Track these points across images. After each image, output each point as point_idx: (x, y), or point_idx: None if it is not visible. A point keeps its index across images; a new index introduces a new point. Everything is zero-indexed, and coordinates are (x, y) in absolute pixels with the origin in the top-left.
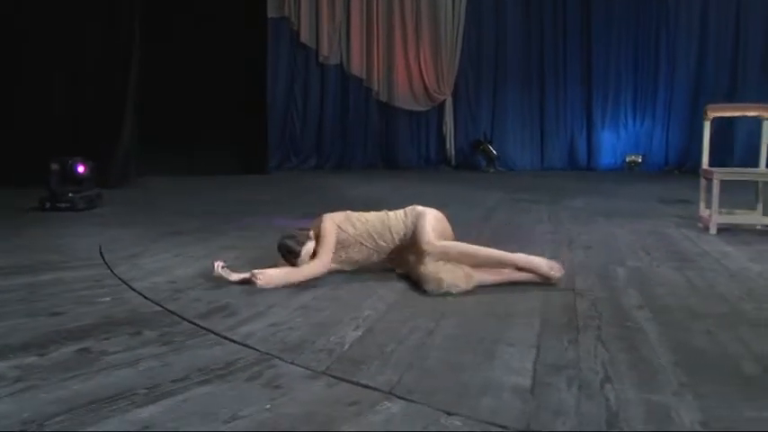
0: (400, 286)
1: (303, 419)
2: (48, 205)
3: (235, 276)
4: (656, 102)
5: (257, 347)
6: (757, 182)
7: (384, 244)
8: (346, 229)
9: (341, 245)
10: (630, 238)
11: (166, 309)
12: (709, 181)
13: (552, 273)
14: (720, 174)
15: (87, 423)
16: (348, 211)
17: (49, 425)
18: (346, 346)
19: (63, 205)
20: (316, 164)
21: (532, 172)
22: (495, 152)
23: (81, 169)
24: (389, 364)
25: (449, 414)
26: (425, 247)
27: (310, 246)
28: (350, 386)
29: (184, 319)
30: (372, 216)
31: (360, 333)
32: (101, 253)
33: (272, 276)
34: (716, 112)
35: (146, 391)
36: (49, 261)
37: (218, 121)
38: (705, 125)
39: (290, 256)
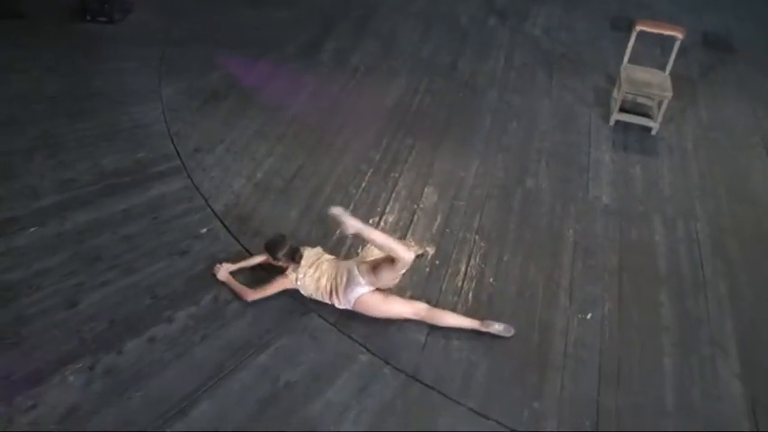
0: None
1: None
2: (89, 17)
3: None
4: None
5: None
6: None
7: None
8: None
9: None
10: (546, 128)
11: (244, 247)
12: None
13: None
14: (626, 88)
15: (230, 368)
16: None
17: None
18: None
19: (102, 19)
20: None
21: None
22: None
23: None
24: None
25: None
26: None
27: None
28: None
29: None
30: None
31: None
32: (174, 146)
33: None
34: (643, 26)
35: (257, 341)
36: (140, 160)
37: None
38: (632, 35)
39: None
